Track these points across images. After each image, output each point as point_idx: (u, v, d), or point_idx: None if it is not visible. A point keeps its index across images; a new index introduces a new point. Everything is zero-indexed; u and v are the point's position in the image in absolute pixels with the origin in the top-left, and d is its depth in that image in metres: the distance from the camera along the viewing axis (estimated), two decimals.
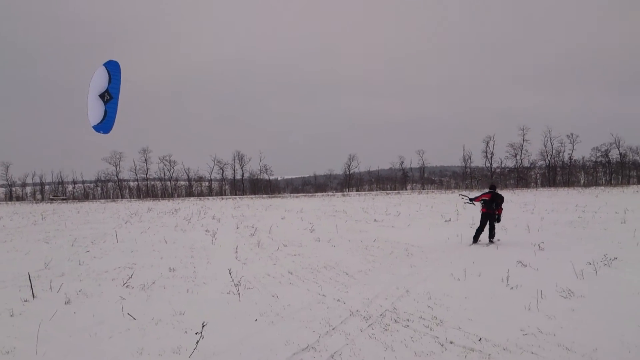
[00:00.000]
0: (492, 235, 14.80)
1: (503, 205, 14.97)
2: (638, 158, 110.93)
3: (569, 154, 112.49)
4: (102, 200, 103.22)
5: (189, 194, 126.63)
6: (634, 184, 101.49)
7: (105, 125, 9.35)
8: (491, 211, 14.71)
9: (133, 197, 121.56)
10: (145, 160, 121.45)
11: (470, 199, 15.84)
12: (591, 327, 6.09)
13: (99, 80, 9.18)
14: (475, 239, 14.72)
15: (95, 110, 9.16)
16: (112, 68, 9.38)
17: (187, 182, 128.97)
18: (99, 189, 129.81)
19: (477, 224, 15.60)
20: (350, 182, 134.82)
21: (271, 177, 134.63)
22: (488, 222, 14.82)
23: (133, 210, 43.80)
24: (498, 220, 14.82)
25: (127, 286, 9.31)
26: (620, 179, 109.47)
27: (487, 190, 15.61)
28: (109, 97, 9.27)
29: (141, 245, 16.02)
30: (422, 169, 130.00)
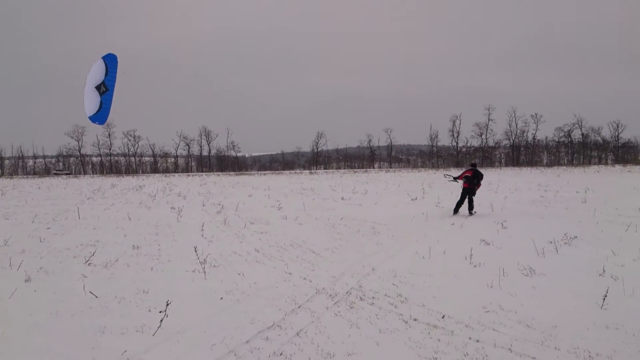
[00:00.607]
0: (471, 207, 16.42)
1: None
2: (599, 138, 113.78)
3: (532, 134, 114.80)
4: (64, 176, 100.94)
5: (154, 170, 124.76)
6: (594, 164, 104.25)
7: (100, 116, 9.60)
8: (472, 186, 16.45)
9: (96, 173, 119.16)
10: (109, 135, 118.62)
11: (455, 178, 17.41)
12: (551, 305, 6.24)
13: (96, 72, 9.33)
14: (456, 210, 16.47)
15: (91, 102, 9.36)
16: (110, 61, 9.52)
17: (152, 158, 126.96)
18: (60, 164, 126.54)
19: (442, 203, 17.64)
20: (318, 160, 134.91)
21: (239, 154, 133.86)
22: (467, 197, 16.46)
23: (96, 187, 42.99)
24: (474, 194, 16.59)
25: (89, 264, 9.14)
26: (581, 159, 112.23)
27: (469, 167, 17.08)
28: (105, 88, 9.44)
29: (104, 222, 15.75)
30: (389, 148, 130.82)
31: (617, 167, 76.24)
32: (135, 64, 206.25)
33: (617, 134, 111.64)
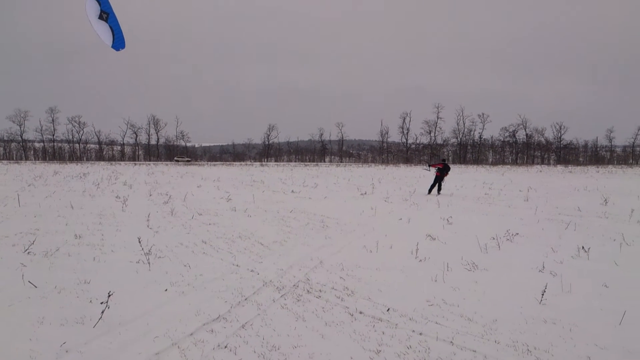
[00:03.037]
0: (439, 189, 23.01)
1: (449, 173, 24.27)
2: (543, 139, 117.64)
3: (479, 133, 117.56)
4: (5, 162, 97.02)
5: (100, 158, 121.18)
6: (538, 163, 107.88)
7: (117, 41, 9.33)
8: (442, 175, 22.84)
9: (38, 160, 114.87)
10: (53, 120, 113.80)
11: (429, 165, 24.88)
12: (492, 299, 6.42)
13: (90, 5, 9.00)
14: (429, 192, 23.02)
15: (104, 32, 9.23)
16: None
17: (98, 146, 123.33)
18: (0, 149, 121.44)
19: (391, 198, 20.41)
20: (269, 152, 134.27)
21: (188, 144, 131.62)
22: (439, 182, 22.88)
23: (38, 173, 41.42)
24: (443, 181, 23.26)
25: (28, 252, 8.80)
26: (525, 159, 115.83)
27: (440, 161, 23.08)
28: (106, 14, 9.20)
29: (45, 210, 15.20)
30: (340, 142, 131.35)
31: (559, 167, 79.16)
32: (82, 46, 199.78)
33: (559, 135, 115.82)
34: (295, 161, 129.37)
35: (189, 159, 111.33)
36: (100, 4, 9.15)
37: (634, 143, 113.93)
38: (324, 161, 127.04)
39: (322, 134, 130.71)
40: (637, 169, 70.22)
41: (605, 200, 18.41)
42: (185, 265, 8.13)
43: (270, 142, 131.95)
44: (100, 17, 9.14)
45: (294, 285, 7.05)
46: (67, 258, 8.56)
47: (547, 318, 5.69)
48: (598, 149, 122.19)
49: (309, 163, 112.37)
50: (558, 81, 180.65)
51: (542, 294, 6.21)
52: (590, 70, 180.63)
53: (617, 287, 6.95)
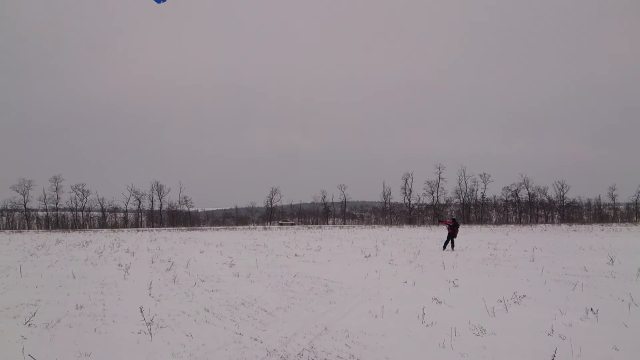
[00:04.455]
0: (452, 246, 26.24)
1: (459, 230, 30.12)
2: (545, 198, 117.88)
3: (482, 192, 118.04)
4: (7, 231, 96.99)
5: (102, 225, 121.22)
6: (541, 222, 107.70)
7: None
8: (454, 232, 26.12)
9: (41, 228, 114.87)
10: (57, 189, 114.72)
11: (440, 221, 29.98)
12: None
13: None
14: (444, 247, 26.41)
15: None
16: None
17: (101, 213, 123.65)
18: (4, 218, 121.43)
19: (396, 260, 20.53)
20: (272, 215, 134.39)
21: (191, 209, 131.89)
22: (451, 239, 26.13)
23: (40, 242, 41.42)
24: (455, 236, 26.41)
25: (29, 325, 8.69)
26: (529, 218, 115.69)
27: (451, 219, 28.11)
28: None
29: (47, 280, 15.10)
30: (343, 204, 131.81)
31: (563, 226, 78.90)
32: (86, 115, 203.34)
33: (562, 194, 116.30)
34: (298, 224, 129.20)
35: (292, 222, 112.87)
36: None
37: (637, 200, 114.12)
38: (327, 223, 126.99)
39: (324, 196, 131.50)
40: None
41: (612, 259, 18.24)
42: (187, 335, 7.99)
43: (273, 205, 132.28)
44: None
45: (299, 354, 6.90)
46: (68, 330, 8.44)
47: None
48: (601, 207, 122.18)
49: (312, 225, 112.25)
50: (559, 140, 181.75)
51: (552, 359, 6.07)
52: (590, 131, 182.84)
53: (628, 349, 6.79)
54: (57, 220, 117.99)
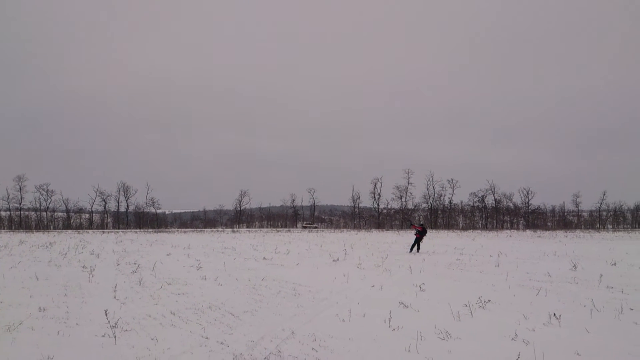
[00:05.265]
0: (418, 248, 28.00)
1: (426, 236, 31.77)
2: (511, 204, 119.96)
3: (449, 197, 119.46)
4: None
5: (67, 226, 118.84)
6: (507, 228, 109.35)
7: None
8: (422, 236, 27.86)
9: (4, 229, 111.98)
10: (20, 189, 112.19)
11: (411, 224, 32.08)
12: None
13: None
14: (411, 250, 28.19)
15: None
16: None
17: (66, 214, 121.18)
18: None
19: (364, 264, 20.59)
20: (241, 218, 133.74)
21: (158, 211, 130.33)
22: (418, 243, 27.88)
23: (2, 243, 40.37)
24: (421, 240, 28.22)
25: None
26: (495, 223, 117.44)
27: (419, 224, 29.44)
28: None
29: (9, 282, 14.74)
30: (312, 207, 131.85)
31: (528, 232, 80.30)
32: (48, 113, 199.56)
33: (527, 200, 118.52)
34: (267, 227, 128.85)
35: (316, 226, 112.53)
36: None
37: (600, 208, 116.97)
38: (296, 227, 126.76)
39: (294, 200, 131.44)
40: (604, 233, 71.74)
41: (575, 265, 18.63)
42: (152, 339, 7.89)
43: (242, 207, 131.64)
44: None
45: (265, 357, 6.88)
46: (31, 332, 8.28)
47: None
48: (565, 214, 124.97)
49: (281, 229, 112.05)
50: (523, 148, 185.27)
51: None
52: (552, 139, 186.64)
53: (590, 354, 6.95)
54: (21, 220, 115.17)
